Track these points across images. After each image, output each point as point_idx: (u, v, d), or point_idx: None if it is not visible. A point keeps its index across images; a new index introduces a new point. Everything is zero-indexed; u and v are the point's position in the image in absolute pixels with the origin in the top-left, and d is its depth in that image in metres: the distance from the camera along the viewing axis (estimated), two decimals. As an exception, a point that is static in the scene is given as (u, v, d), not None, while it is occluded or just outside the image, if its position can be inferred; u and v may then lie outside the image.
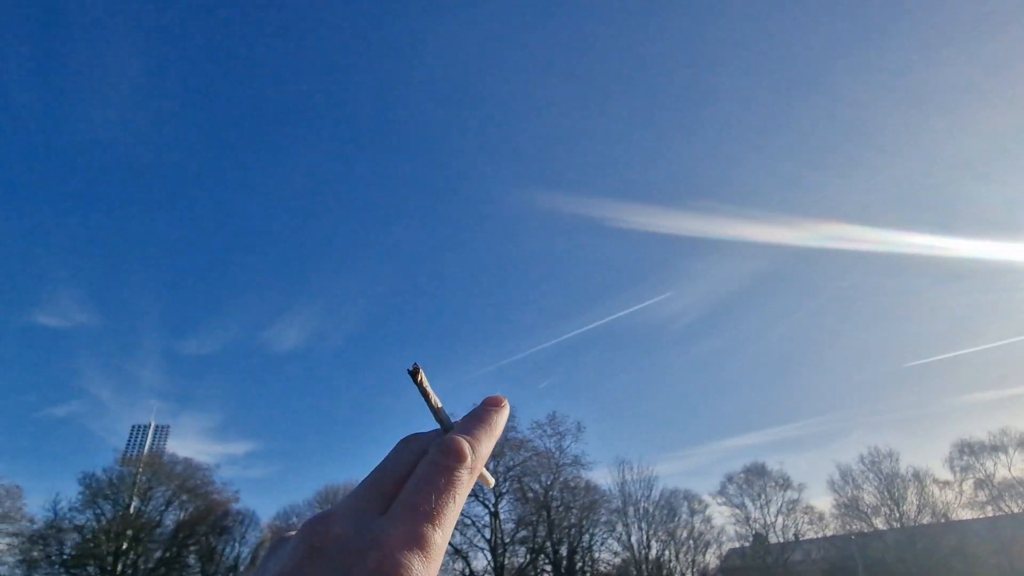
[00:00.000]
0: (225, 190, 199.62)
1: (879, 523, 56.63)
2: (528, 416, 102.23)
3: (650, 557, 61.52)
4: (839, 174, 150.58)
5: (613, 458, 73.82)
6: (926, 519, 55.18)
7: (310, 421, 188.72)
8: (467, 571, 58.29)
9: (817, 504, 64.15)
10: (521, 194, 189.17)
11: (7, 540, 53.55)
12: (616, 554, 63.02)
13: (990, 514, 53.63)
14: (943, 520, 54.98)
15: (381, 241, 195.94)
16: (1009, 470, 53.29)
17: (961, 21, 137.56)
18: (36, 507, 62.62)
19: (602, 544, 62.75)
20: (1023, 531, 50.48)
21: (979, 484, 53.90)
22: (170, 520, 58.56)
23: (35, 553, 52.53)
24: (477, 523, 58.70)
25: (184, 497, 59.29)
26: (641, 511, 62.41)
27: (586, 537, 60.94)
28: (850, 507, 58.05)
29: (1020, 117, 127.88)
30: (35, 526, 54.15)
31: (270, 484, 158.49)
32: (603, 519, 61.70)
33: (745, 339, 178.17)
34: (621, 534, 62.28)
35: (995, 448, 54.17)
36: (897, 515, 55.79)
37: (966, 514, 55.12)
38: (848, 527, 57.24)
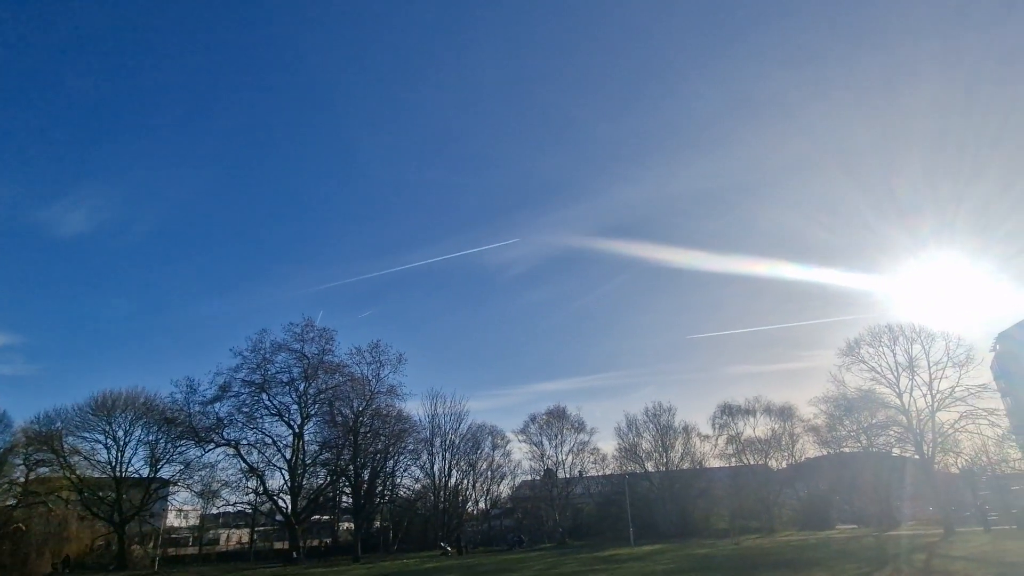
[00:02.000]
0: None
1: (650, 466, 65.02)
2: (350, 343, 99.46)
3: (449, 484, 64.58)
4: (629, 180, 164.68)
5: (427, 391, 75.39)
6: (686, 465, 64.47)
7: (91, 318, 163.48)
8: (260, 488, 56.27)
9: (603, 447, 71.90)
10: (374, 112, 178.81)
11: None
12: (417, 480, 65.16)
13: (733, 464, 64.14)
14: (698, 467, 64.69)
15: (203, 129, 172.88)
16: (754, 430, 63.94)
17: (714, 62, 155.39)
18: None
19: (405, 471, 64.43)
20: (754, 478, 61.35)
21: (730, 439, 63.97)
22: None
23: None
24: (279, 443, 56.58)
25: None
26: (448, 442, 64.91)
27: (391, 463, 62.00)
28: (629, 451, 65.79)
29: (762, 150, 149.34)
30: None
31: (33, 384, 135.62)
32: (410, 447, 63.13)
33: (565, 297, 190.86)
34: (425, 463, 64.40)
35: (748, 411, 64.47)
36: (665, 461, 64.45)
37: (716, 463, 65.50)
38: (624, 468, 64.93)
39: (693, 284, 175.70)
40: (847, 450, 58.56)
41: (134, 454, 56.34)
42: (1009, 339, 60.61)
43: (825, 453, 61.92)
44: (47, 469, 53.64)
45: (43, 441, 52.69)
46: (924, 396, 46.34)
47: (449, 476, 64.62)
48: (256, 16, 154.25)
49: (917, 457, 47.86)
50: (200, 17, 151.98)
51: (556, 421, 67.40)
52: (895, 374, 47.59)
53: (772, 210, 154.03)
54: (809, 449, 63.67)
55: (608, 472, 67.30)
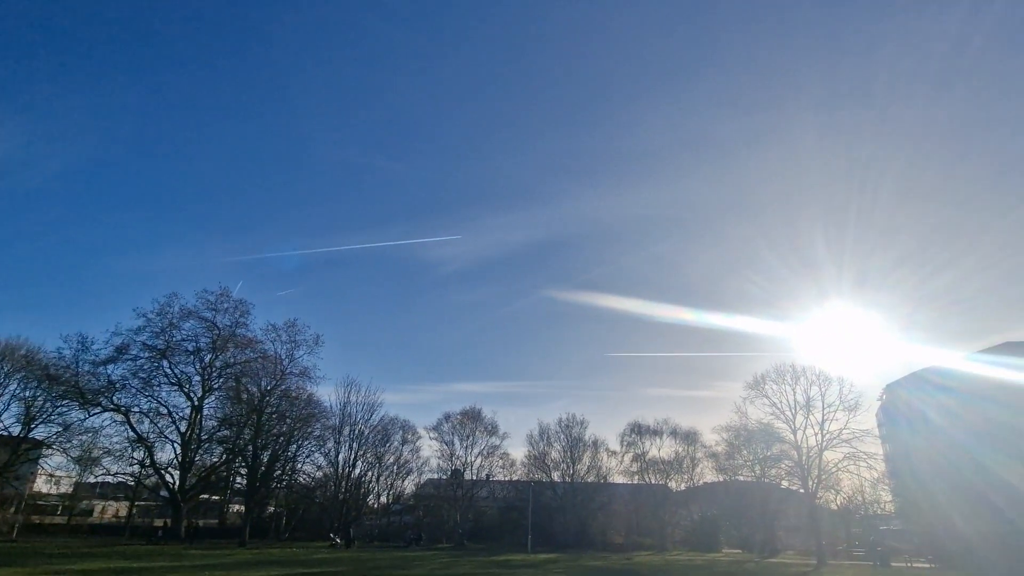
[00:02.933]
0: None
1: (556, 476, 65.84)
2: (267, 319, 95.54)
3: (352, 475, 62.82)
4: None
5: (344, 378, 73.22)
6: (591, 478, 65.71)
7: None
8: (147, 461, 52.68)
9: (513, 452, 72.14)
10: (328, 93, 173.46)
11: None
12: (319, 468, 63.02)
13: (636, 481, 65.98)
14: (602, 481, 66.09)
15: (141, 80, 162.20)
16: (659, 451, 66.07)
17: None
18: None
19: (308, 457, 62.12)
20: (653, 497, 63.33)
21: (636, 457, 65.79)
22: None
23: None
24: (175, 414, 53.30)
25: None
26: (357, 432, 63.17)
27: (293, 447, 59.60)
28: (539, 459, 66.38)
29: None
30: None
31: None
32: (316, 433, 60.94)
33: (494, 301, 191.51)
34: (330, 450, 62.39)
35: (655, 432, 66.58)
36: (571, 472, 65.44)
37: (619, 479, 67.15)
38: (532, 475, 65.42)
39: (617, 308, 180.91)
40: (742, 478, 61.61)
41: (5, 409, 51.24)
42: (895, 390, 65.77)
43: (721, 479, 64.84)
44: None
45: None
46: (816, 435, 49.56)
47: (353, 467, 62.88)
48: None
49: (802, 491, 51.00)
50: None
51: (470, 422, 67.05)
52: (792, 411, 50.62)
53: (698, 250, 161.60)
54: (707, 474, 66.50)
55: (515, 478, 67.56)
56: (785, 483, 56.55)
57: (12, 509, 53.82)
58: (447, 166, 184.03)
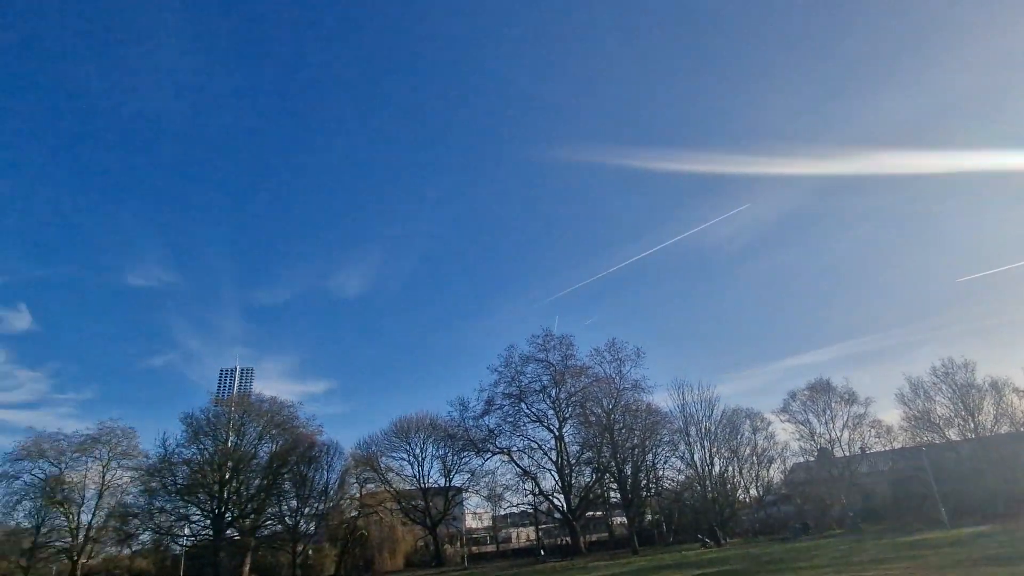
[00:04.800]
0: (285, 153, 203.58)
1: (952, 434, 55.46)
2: (585, 347, 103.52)
3: (714, 473, 63.01)
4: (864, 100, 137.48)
5: (672, 381, 74.61)
6: (1003, 429, 53.59)
7: (380, 359, 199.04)
8: (536, 490, 61.71)
9: (885, 418, 63.08)
10: (563, 149, 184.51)
11: (129, 474, 60.74)
12: (680, 471, 64.81)
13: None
14: (1023, 429, 53.23)
15: (430, 195, 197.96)
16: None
17: None
18: (148, 444, 70.25)
19: (665, 463, 64.59)
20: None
21: (1063, 391, 51.37)
22: (264, 452, 64.32)
23: (153, 484, 59.32)
24: (543, 447, 61.43)
25: (274, 431, 64.65)
26: (703, 430, 63.41)
27: (649, 456, 62.84)
28: (921, 419, 56.89)
29: None
30: (149, 461, 60.96)
31: (349, 418, 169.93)
32: (666, 439, 63.26)
33: (801, 261, 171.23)
34: (684, 453, 63.81)
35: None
36: (972, 426, 54.38)
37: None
38: (918, 439, 56.35)
39: (956, 210, 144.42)
40: None
41: (431, 467, 66.52)
42: None
43: None
44: (373, 485, 66.26)
45: (366, 462, 65.43)
46: None
47: (712, 464, 63.08)
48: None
49: None
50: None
51: (821, 395, 61.42)
52: None
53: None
54: None
55: (896, 446, 59.07)
56: None
57: (458, 543, 68.73)
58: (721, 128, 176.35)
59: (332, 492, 64.95)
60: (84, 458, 58.72)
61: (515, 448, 61.84)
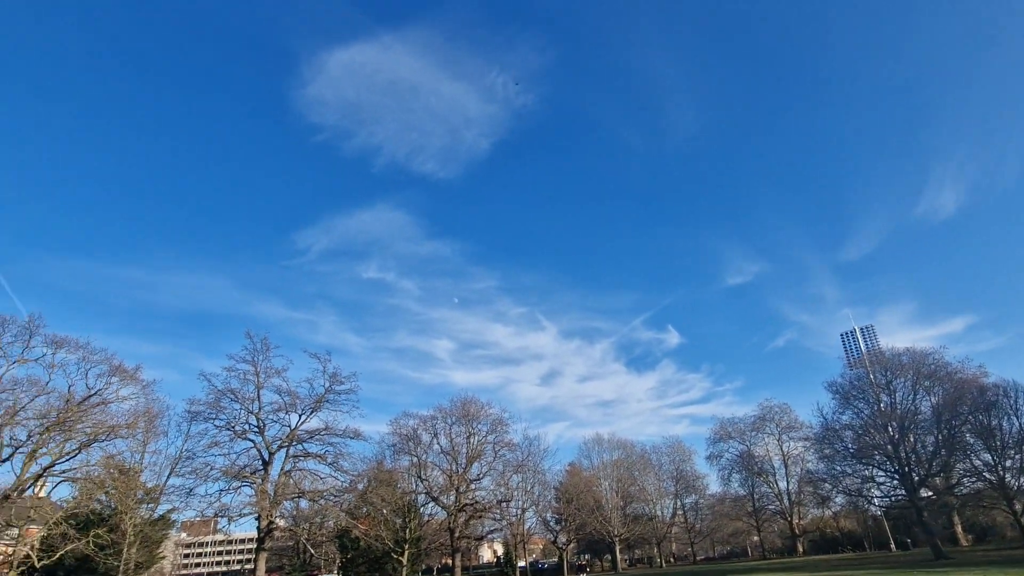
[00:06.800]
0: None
1: None
2: None
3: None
4: None
5: None
6: None
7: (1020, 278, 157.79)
8: None
9: None
10: None
11: (801, 444, 67.42)
12: None
13: None
14: None
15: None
16: None
17: None
18: (804, 415, 76.42)
19: None
20: None
21: None
22: (925, 407, 59.52)
23: (826, 450, 63.39)
24: None
25: (926, 383, 59.28)
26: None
27: None
28: None
29: None
30: (813, 430, 65.82)
31: (1007, 352, 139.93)
32: None
33: None
34: None
35: None
36: None
37: None
38: None
39: None
40: None
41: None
42: None
43: None
44: None
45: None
46: None
47: None
48: None
49: None
50: None
51: None
52: None
53: None
54: None
55: None
56: None
57: None
58: None
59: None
60: (759, 434, 68.69)
61: None
